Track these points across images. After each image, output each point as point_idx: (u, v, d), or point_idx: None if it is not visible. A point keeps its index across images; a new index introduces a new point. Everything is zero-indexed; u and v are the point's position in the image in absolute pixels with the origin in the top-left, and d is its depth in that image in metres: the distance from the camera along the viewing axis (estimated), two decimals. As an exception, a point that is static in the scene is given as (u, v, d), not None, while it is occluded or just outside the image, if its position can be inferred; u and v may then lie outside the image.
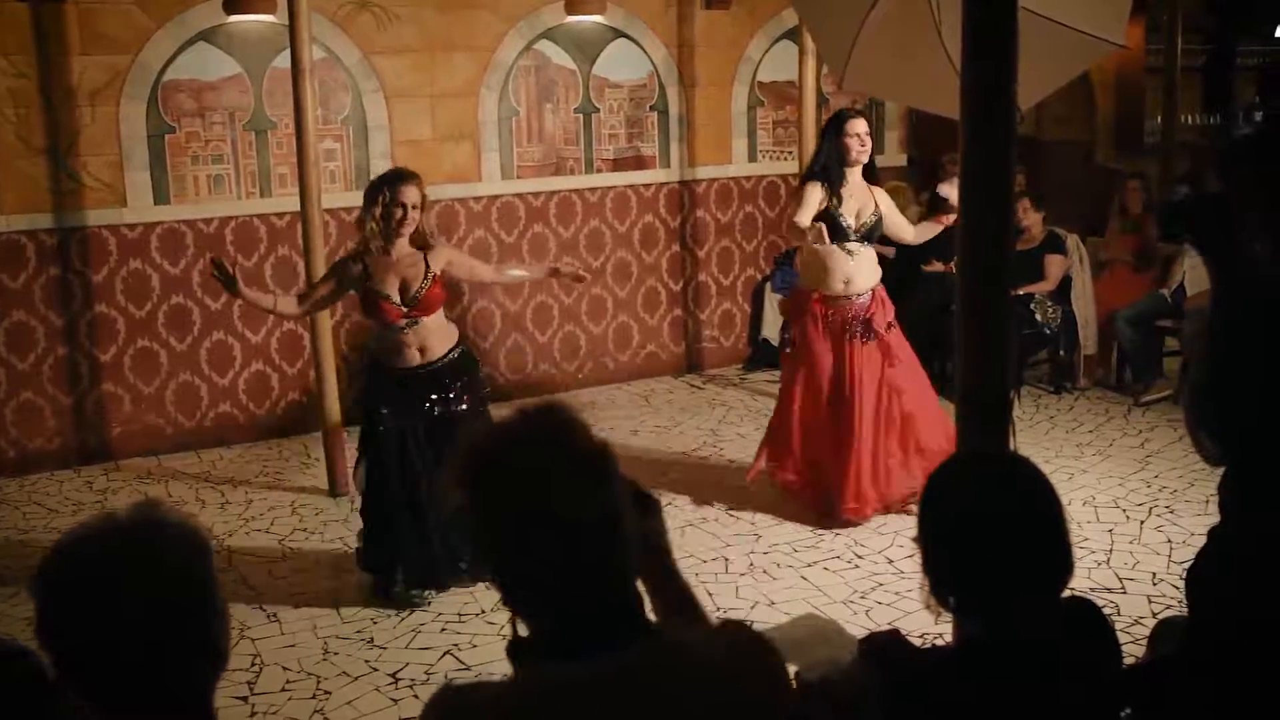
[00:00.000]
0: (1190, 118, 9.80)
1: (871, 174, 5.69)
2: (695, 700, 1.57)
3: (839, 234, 5.54)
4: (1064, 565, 2.05)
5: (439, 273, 4.86)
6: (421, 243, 4.86)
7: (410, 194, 4.77)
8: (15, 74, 6.36)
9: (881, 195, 5.71)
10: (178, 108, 6.76)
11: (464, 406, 4.89)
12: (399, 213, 4.75)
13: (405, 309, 4.78)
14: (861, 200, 5.60)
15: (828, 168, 5.56)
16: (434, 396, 4.83)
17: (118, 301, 6.76)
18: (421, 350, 4.84)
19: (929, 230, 5.89)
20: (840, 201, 5.55)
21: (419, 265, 4.82)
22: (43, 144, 6.47)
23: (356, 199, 7.09)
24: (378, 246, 4.79)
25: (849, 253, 5.58)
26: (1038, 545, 2.02)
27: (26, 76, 6.39)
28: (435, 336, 4.87)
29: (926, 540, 2.08)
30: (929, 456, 5.46)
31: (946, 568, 2.05)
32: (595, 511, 1.56)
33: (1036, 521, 2.03)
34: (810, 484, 5.73)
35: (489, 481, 1.57)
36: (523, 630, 1.61)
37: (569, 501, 1.54)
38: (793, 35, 8.03)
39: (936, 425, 5.56)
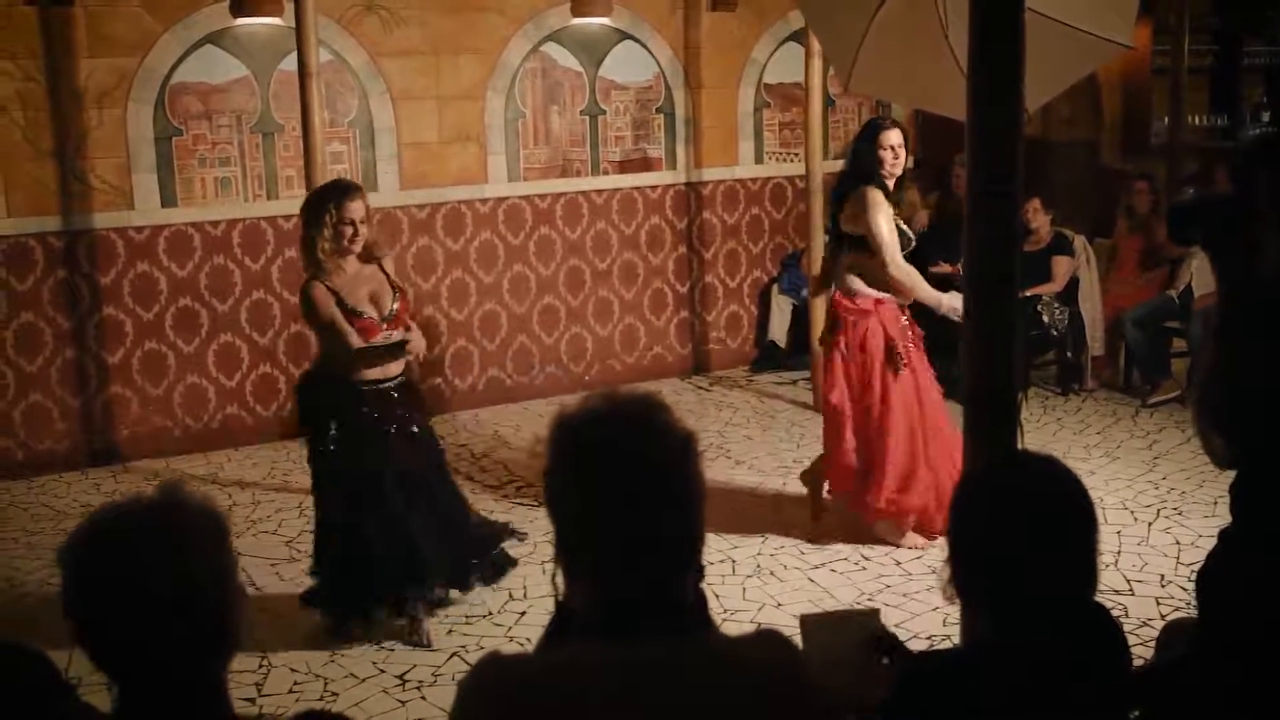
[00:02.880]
0: (1197, 119, 9.77)
1: (898, 192, 5.45)
2: (725, 700, 1.60)
3: (904, 242, 5.33)
4: (1089, 577, 2.03)
5: (402, 286, 4.73)
6: (368, 256, 4.67)
7: (356, 209, 4.54)
8: (23, 77, 6.38)
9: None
10: (185, 110, 6.77)
11: (416, 428, 4.73)
12: (349, 231, 4.52)
13: (384, 324, 4.61)
14: (904, 213, 5.44)
15: (873, 174, 5.28)
16: (395, 413, 4.65)
17: (125, 304, 6.77)
18: (382, 368, 4.65)
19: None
20: (896, 208, 5.34)
21: (379, 278, 4.66)
22: (50, 146, 6.49)
23: (363, 201, 7.17)
24: (331, 266, 4.57)
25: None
26: (1067, 553, 2.00)
27: (34, 79, 6.41)
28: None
29: (956, 534, 2.07)
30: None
31: (972, 565, 2.04)
32: (668, 494, 1.61)
33: (1069, 529, 2.01)
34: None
35: (580, 447, 1.63)
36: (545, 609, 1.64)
37: (651, 479, 1.60)
38: (799, 37, 8.03)
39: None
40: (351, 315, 4.56)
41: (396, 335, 4.61)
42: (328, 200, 4.58)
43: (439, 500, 4.76)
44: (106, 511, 1.68)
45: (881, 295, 5.34)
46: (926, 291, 5.33)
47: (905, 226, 5.44)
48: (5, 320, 6.51)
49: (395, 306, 4.66)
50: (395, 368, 4.68)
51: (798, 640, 1.85)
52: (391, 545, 4.55)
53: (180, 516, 1.67)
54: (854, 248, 5.37)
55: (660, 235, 8.24)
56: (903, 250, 5.33)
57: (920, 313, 5.54)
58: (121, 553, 1.62)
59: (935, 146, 8.74)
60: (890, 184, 5.34)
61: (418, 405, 4.82)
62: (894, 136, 5.34)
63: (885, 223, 5.25)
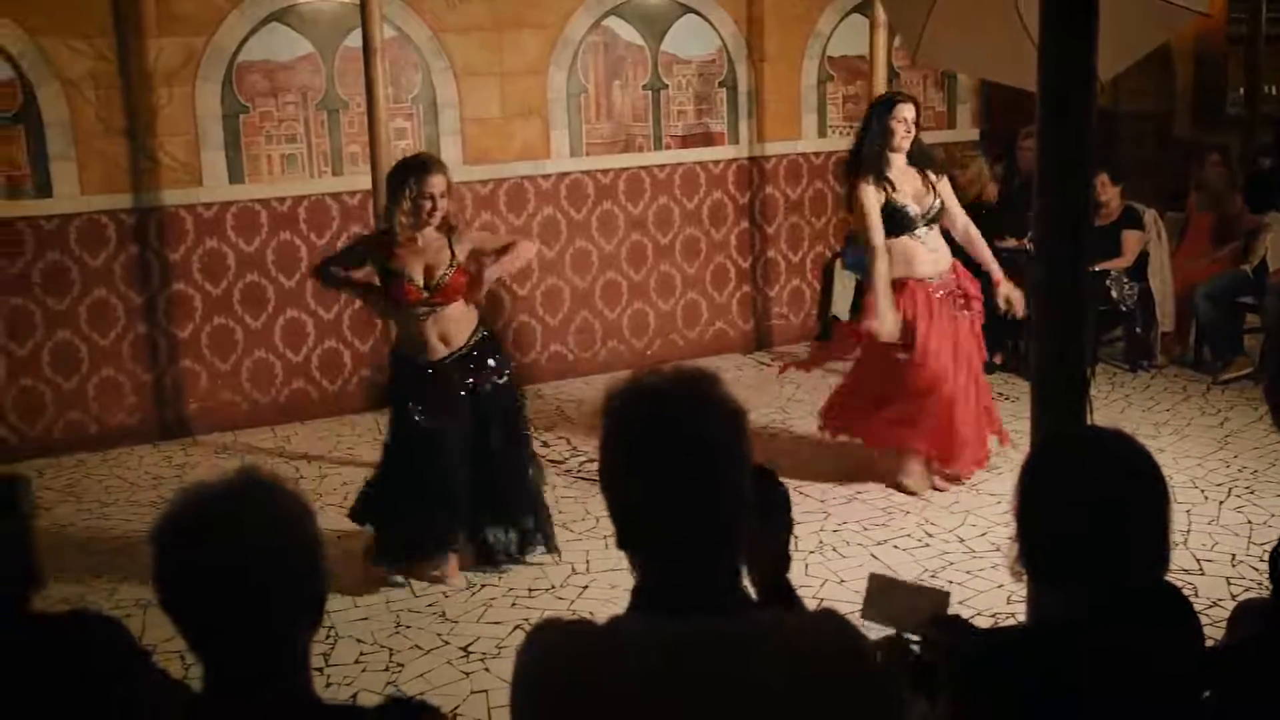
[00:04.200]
0: (1274, 88, 9.53)
1: (917, 157, 5.58)
2: (773, 676, 1.59)
3: (907, 224, 5.52)
4: (1160, 555, 2.00)
5: (463, 261, 4.79)
6: (446, 228, 4.81)
7: (437, 184, 4.67)
8: (95, 56, 6.48)
9: (939, 181, 5.65)
10: (251, 88, 6.84)
11: (499, 380, 4.87)
12: (427, 205, 4.66)
13: (427, 293, 4.71)
14: (913, 184, 5.54)
15: (872, 155, 5.48)
16: (467, 381, 4.81)
17: (195, 280, 6.88)
18: (444, 339, 4.77)
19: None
20: (894, 188, 5.49)
21: (444, 251, 4.76)
22: (122, 125, 6.59)
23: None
24: (406, 236, 4.73)
25: (921, 240, 5.55)
26: (1137, 530, 1.97)
27: (106, 59, 6.51)
28: (456, 324, 4.80)
29: (1024, 510, 2.04)
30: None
31: (1040, 542, 2.01)
32: (716, 472, 1.60)
33: (1140, 506, 1.98)
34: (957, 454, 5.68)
35: (627, 425, 1.64)
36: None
37: (686, 448, 1.59)
38: (863, 9, 7.94)
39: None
40: (398, 277, 4.72)
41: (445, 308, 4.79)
42: (409, 175, 4.71)
43: (490, 467, 4.88)
44: (192, 497, 1.68)
45: (908, 278, 5.54)
46: (882, 298, 5.49)
47: (910, 203, 5.52)
48: (79, 296, 6.64)
49: (442, 279, 4.72)
50: (460, 336, 4.80)
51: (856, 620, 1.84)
52: (435, 500, 4.82)
53: (268, 498, 1.69)
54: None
55: (722, 210, 8.21)
56: (911, 228, 5.52)
57: (993, 294, 5.72)
58: (216, 540, 1.63)
59: (1000, 118, 8.62)
60: (900, 157, 5.52)
61: (494, 366, 4.87)
62: (908, 110, 5.52)
63: (872, 211, 5.49)
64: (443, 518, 4.88)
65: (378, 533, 4.95)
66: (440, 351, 4.78)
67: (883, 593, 2.50)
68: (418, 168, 4.73)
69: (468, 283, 4.83)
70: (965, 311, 5.63)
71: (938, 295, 5.55)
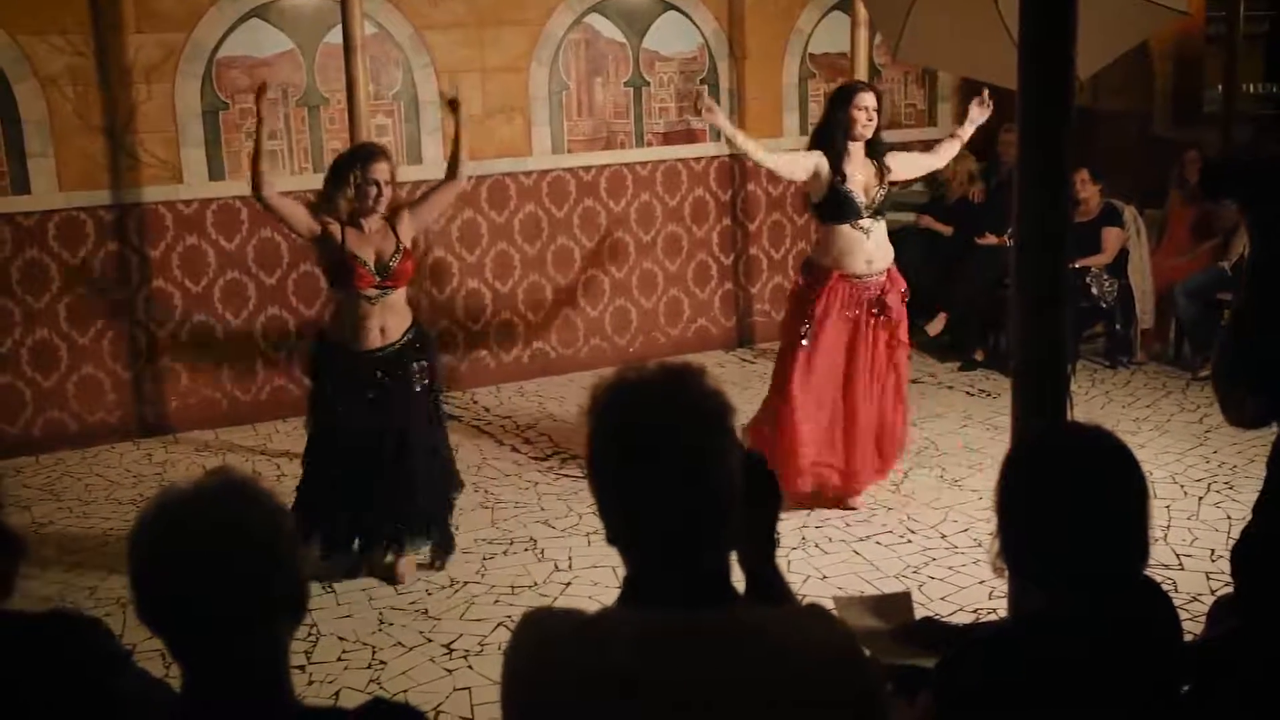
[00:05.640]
0: (1252, 86, 9.57)
1: (875, 149, 5.44)
2: (758, 670, 1.60)
3: (851, 211, 5.36)
4: (1140, 550, 2.01)
5: (409, 246, 4.77)
6: (389, 214, 4.79)
7: (382, 170, 4.66)
8: (73, 52, 6.44)
9: (895, 160, 5.51)
10: (231, 84, 6.81)
11: (420, 386, 4.81)
12: (373, 190, 4.64)
13: (379, 278, 4.68)
14: (866, 175, 5.39)
15: (831, 139, 5.37)
16: (391, 375, 4.76)
17: (174, 277, 6.84)
18: (383, 330, 4.73)
19: (950, 148, 5.76)
20: (845, 178, 5.34)
21: (390, 238, 4.74)
22: (100, 121, 6.55)
23: (408, 174, 7.19)
24: (352, 221, 4.70)
25: (864, 231, 5.39)
26: (1117, 525, 1.98)
27: (84, 54, 6.47)
28: (396, 315, 4.77)
29: (1005, 506, 2.05)
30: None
31: (1021, 537, 2.02)
32: (698, 470, 1.60)
33: (1119, 501, 1.99)
34: (830, 475, 5.51)
35: (610, 423, 1.64)
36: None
37: (668, 444, 1.60)
38: (844, 6, 7.95)
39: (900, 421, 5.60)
40: (353, 260, 4.66)
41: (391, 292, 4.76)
42: (354, 162, 4.72)
43: (402, 467, 4.81)
44: (167, 502, 1.68)
45: (836, 269, 5.39)
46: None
47: (856, 191, 5.38)
48: (58, 293, 6.60)
49: (390, 262, 4.69)
50: (397, 329, 4.76)
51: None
52: (348, 499, 4.81)
53: (243, 500, 1.68)
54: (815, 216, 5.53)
55: (704, 207, 8.21)
56: (854, 216, 5.36)
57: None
58: (192, 546, 1.63)
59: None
60: (859, 147, 5.39)
61: (420, 369, 4.81)
62: (868, 99, 5.38)
63: (793, 160, 5.46)
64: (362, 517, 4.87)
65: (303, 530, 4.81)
66: (377, 342, 4.73)
67: (849, 612, 2.53)
68: (362, 155, 4.74)
69: (414, 269, 4.88)
70: (882, 318, 5.44)
71: (866, 295, 5.41)
